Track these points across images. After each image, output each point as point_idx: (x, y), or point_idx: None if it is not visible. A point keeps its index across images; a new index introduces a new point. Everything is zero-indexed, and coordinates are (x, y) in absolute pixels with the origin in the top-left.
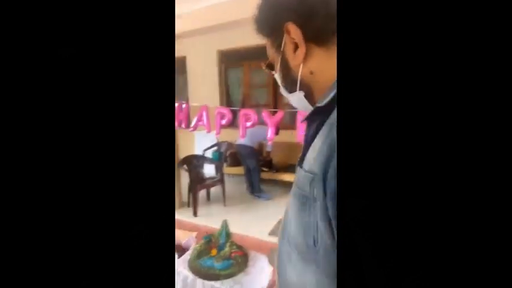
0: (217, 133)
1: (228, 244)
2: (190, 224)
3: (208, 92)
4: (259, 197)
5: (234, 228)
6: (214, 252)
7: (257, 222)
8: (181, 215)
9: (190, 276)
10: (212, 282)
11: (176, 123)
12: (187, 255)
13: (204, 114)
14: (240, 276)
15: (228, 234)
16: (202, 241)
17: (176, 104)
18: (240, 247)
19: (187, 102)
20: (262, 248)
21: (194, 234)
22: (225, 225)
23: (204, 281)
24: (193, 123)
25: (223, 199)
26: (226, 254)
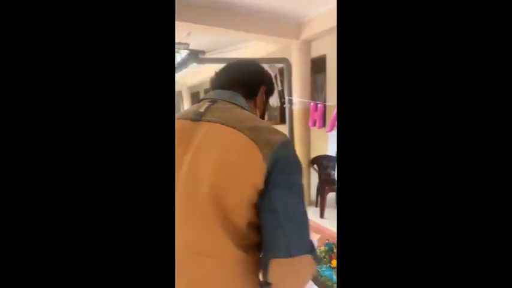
0: None
1: None
2: (315, 224)
3: None
4: None
5: None
6: (334, 263)
7: None
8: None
9: None
10: None
11: (310, 123)
12: None
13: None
14: None
15: None
16: (323, 248)
17: (311, 104)
18: None
19: (324, 101)
20: None
21: (317, 237)
22: None
23: None
24: (328, 124)
25: None
26: None
